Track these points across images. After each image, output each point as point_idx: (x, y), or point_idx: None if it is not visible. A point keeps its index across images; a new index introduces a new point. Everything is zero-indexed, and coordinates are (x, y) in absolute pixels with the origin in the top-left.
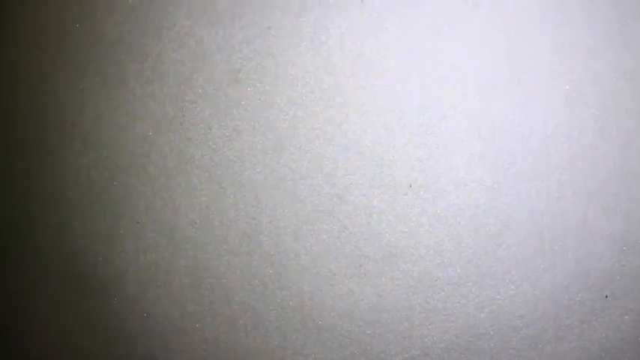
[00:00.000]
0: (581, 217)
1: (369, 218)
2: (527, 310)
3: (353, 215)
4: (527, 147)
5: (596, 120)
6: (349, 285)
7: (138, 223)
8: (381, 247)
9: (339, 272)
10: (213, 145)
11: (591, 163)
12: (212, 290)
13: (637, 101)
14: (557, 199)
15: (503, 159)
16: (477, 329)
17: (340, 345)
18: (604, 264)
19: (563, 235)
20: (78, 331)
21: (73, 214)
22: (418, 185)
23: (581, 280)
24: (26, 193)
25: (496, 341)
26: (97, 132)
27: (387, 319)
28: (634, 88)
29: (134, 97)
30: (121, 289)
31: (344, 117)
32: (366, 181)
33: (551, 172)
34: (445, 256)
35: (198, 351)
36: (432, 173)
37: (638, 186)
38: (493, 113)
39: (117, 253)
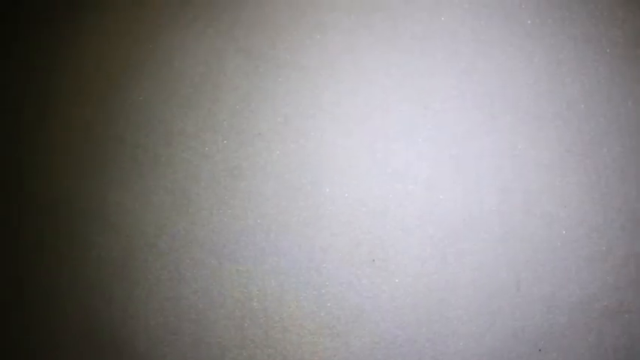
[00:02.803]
0: (514, 283)
1: (340, 287)
2: None
3: (327, 285)
4: (467, 228)
5: (522, 204)
6: (324, 342)
7: (151, 293)
8: (350, 311)
9: (316, 332)
10: (213, 228)
11: (520, 238)
12: (210, 349)
13: (555, 187)
14: (494, 268)
15: (448, 238)
16: None
17: None
18: (536, 322)
19: (500, 298)
20: None
21: (94, 283)
22: (380, 260)
23: (517, 336)
24: (54, 266)
25: None
26: (117, 216)
27: None
28: (552, 177)
29: (149, 189)
30: (133, 348)
31: (319, 205)
32: (337, 257)
33: (487, 247)
34: (403, 318)
35: None
36: (391, 250)
37: (560, 257)
38: (439, 202)
39: (130, 316)
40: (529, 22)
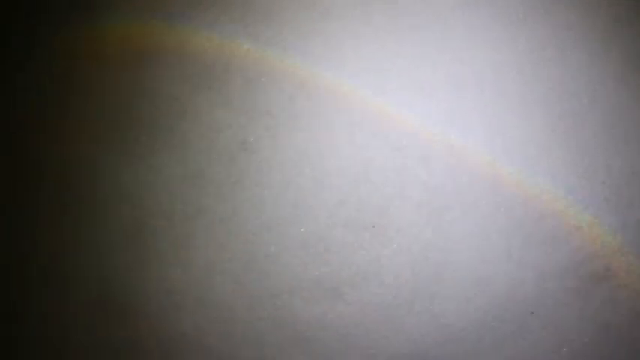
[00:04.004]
0: (505, 250)
1: (344, 251)
2: (468, 323)
3: (332, 249)
4: (460, 197)
5: (511, 178)
6: (329, 303)
7: (163, 259)
8: (353, 274)
9: (320, 293)
10: (225, 197)
11: (511, 209)
12: (220, 311)
13: (541, 163)
14: (486, 236)
15: (443, 207)
16: (429, 337)
17: (323, 347)
18: (527, 288)
19: (493, 264)
20: (104, 346)
21: (110, 249)
22: (379, 225)
23: (510, 300)
24: (73, 232)
25: (444, 348)
26: (133, 187)
27: (358, 326)
28: (538, 154)
29: (164, 161)
30: (146, 311)
31: (324, 176)
32: (340, 222)
33: (479, 216)
34: (402, 279)
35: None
36: (390, 217)
37: (551, 226)
38: (434, 174)
39: (143, 281)
40: (514, 12)
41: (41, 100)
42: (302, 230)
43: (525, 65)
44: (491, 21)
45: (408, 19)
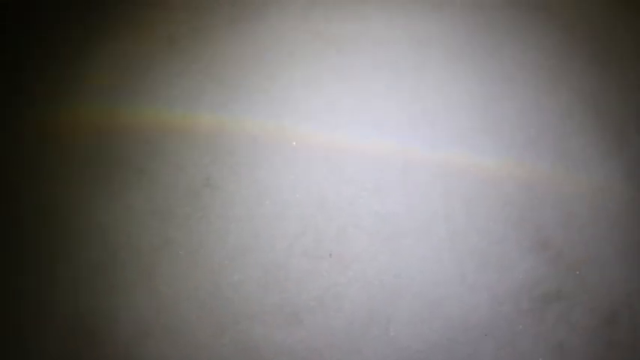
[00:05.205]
0: (459, 274)
1: (303, 278)
2: (424, 346)
3: (291, 278)
4: (413, 225)
5: (463, 205)
6: (289, 329)
7: (131, 288)
8: (311, 300)
9: (282, 320)
10: (189, 230)
11: (464, 235)
12: (184, 337)
13: (494, 190)
14: (439, 261)
15: (395, 234)
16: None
17: None
18: (481, 310)
19: (446, 288)
20: None
21: (81, 279)
22: (336, 254)
23: (464, 322)
24: (48, 263)
25: None
26: (104, 220)
27: (316, 350)
28: (490, 181)
29: (134, 198)
30: (115, 338)
31: (284, 208)
32: (298, 252)
33: (432, 243)
34: (358, 304)
35: None
36: (345, 245)
37: (503, 249)
38: (386, 203)
39: (113, 310)
40: (462, 50)
41: (19, 143)
42: (262, 257)
43: (476, 100)
44: (442, 59)
45: (362, 62)
